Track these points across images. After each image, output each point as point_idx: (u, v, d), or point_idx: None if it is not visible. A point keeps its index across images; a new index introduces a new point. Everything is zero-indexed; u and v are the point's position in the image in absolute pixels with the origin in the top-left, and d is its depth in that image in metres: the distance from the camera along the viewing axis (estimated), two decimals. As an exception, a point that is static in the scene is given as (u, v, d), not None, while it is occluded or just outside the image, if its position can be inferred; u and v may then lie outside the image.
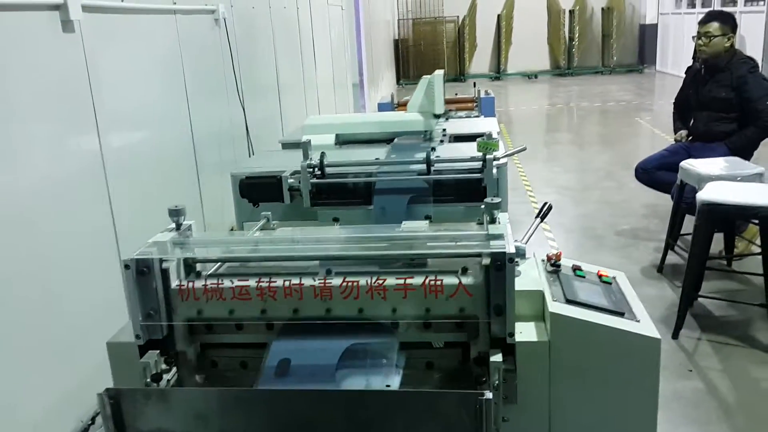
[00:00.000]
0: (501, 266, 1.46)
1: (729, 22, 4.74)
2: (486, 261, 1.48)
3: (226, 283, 1.54)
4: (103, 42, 3.34)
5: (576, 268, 1.76)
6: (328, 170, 2.87)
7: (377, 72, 13.70)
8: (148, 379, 1.52)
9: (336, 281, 1.51)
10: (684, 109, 5.22)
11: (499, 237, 1.54)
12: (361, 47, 11.78)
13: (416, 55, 17.09)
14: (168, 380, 1.56)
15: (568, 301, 1.55)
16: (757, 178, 4.03)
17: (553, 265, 1.74)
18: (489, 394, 1.24)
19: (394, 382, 1.50)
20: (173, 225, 1.75)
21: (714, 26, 4.69)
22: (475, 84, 6.47)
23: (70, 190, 3.02)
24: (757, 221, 3.85)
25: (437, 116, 3.77)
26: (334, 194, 2.89)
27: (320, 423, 1.32)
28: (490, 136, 2.91)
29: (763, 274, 3.52)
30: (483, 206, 2.80)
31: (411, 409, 1.29)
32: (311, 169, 2.85)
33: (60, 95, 3.04)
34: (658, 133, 9.75)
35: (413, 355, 1.63)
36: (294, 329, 1.59)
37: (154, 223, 3.76)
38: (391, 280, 1.49)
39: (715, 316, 3.87)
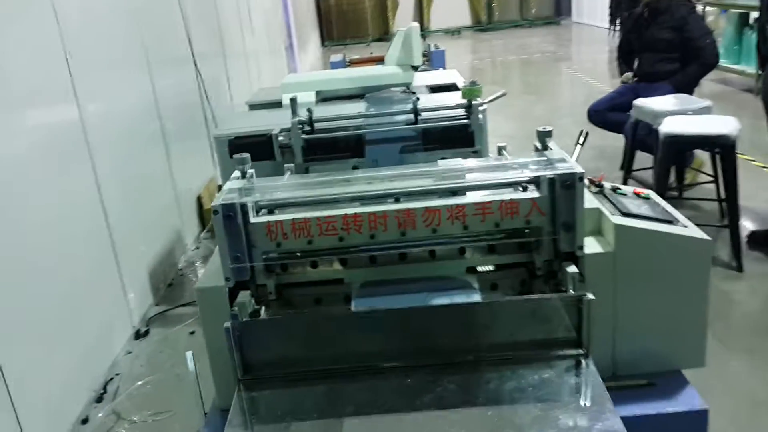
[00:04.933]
0: (571, 185, 1.59)
1: (669, -33, 5.00)
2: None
3: (312, 218, 1.60)
4: (70, 9, 3.24)
5: (615, 189, 1.91)
6: (316, 125, 2.92)
7: (304, 34, 13.55)
8: (245, 318, 1.58)
9: (418, 210, 1.60)
10: (627, 52, 5.49)
11: (562, 160, 1.67)
12: (288, 9, 11.61)
13: (338, 15, 16.91)
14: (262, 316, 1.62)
15: (624, 215, 1.71)
16: (706, 111, 4.33)
17: (597, 186, 1.89)
18: (590, 295, 1.38)
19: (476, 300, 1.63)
20: (238, 174, 1.80)
21: (655, -30, 4.95)
22: (424, 38, 6.55)
23: (54, 161, 2.97)
24: (708, 150, 4.17)
25: (415, 68, 3.85)
26: (324, 149, 2.95)
27: (437, 334, 1.43)
28: (474, 83, 3.04)
29: (725, 198, 3.82)
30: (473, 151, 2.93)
31: (519, 315, 1.41)
32: (301, 126, 2.89)
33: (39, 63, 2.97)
34: (585, 79, 10.13)
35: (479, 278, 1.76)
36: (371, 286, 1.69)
37: (136, 193, 3.72)
38: (470, 206, 1.60)
39: (677, 241, 4.18)
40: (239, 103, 5.76)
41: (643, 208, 1.77)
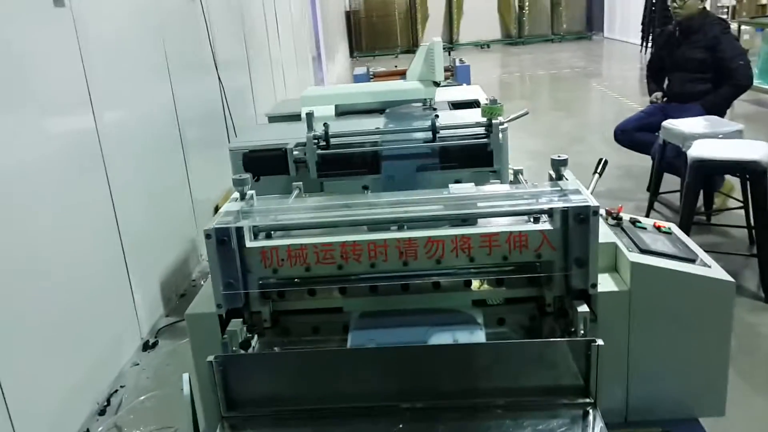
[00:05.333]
0: (585, 219, 1.49)
1: (702, -15, 4.87)
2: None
3: (309, 245, 1.53)
4: (89, 18, 3.22)
5: (635, 221, 1.81)
6: (332, 141, 2.86)
7: (333, 45, 13.56)
8: (235, 347, 1.51)
9: (421, 240, 1.52)
10: (657, 71, 5.35)
11: (576, 192, 1.57)
12: (317, 19, 11.62)
13: (368, 26, 16.95)
14: (253, 347, 1.55)
15: (643, 251, 1.60)
16: (738, 134, 4.17)
17: (615, 218, 1.79)
18: (600, 341, 1.28)
19: (480, 338, 1.53)
20: (237, 195, 1.73)
21: (688, -11, 4.81)
22: (449, 53, 6.49)
23: (66, 171, 2.93)
24: (738, 175, 4.02)
25: (437, 84, 3.77)
26: (339, 164, 2.89)
27: (435, 375, 1.34)
28: (494, 101, 2.95)
29: (754, 225, 3.67)
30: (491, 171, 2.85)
31: (523, 359, 1.32)
32: (316, 140, 2.83)
33: (56, 72, 2.94)
34: (615, 96, 9.97)
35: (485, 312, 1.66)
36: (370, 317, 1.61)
37: (151, 202, 3.68)
38: (476, 237, 1.51)
39: (704, 268, 4.02)
40: (263, 114, 5.73)
41: (663, 244, 1.66)
